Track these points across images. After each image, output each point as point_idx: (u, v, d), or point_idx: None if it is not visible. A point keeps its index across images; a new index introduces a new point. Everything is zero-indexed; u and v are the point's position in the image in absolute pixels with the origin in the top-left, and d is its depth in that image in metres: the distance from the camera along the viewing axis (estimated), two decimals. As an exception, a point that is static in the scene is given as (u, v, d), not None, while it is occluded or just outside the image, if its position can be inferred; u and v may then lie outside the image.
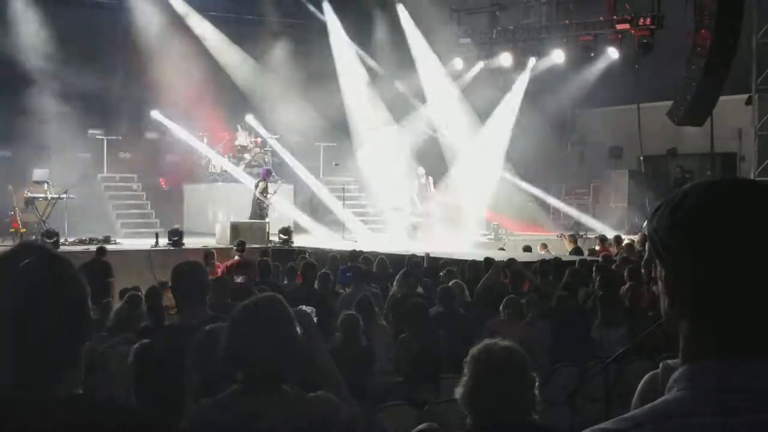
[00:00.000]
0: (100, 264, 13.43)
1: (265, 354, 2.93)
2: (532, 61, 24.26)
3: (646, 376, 2.70)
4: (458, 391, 3.24)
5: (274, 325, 3.01)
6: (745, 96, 20.85)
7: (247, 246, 14.57)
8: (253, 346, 2.96)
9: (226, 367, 3.01)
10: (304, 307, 3.66)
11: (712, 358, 1.36)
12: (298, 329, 3.07)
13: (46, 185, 18.06)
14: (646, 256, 12.40)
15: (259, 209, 19.19)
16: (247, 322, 3.03)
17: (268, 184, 19.60)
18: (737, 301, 1.34)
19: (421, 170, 21.94)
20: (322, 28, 24.07)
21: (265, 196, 19.38)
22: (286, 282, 11.59)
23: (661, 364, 2.66)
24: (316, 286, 10.24)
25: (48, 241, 15.03)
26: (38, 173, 18.40)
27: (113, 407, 2.02)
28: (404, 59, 24.04)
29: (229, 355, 3.00)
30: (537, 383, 3.27)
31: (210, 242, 17.49)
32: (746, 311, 1.34)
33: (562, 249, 18.41)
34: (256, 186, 19.54)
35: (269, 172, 20.11)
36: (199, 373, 3.53)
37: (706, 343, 1.37)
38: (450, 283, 9.91)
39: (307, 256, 14.26)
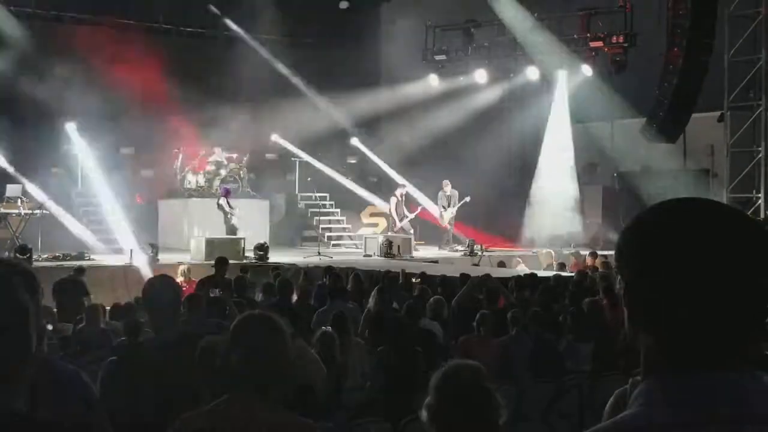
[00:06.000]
0: (75, 283, 13.19)
1: (260, 367, 2.95)
2: (507, 77, 24.43)
3: (616, 392, 2.75)
4: (423, 414, 3.21)
5: (272, 338, 3.02)
6: (717, 113, 21.05)
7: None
8: (249, 358, 2.97)
9: (222, 376, 3.01)
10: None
11: (670, 373, 1.40)
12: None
13: (19, 201, 17.92)
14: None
15: (229, 222, 19.13)
16: (247, 334, 3.04)
17: (228, 200, 19.50)
18: (692, 315, 1.39)
19: (402, 188, 21.87)
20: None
21: (231, 207, 19.28)
22: (261, 298, 11.54)
23: (630, 380, 2.70)
24: (292, 302, 10.22)
25: (20, 256, 14.87)
26: (12, 189, 18.24)
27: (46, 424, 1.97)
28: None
29: (225, 365, 3.01)
30: (503, 407, 3.17)
31: (185, 258, 17.41)
32: (701, 325, 1.39)
33: (537, 264, 18.50)
34: (218, 205, 19.44)
35: (228, 191, 19.95)
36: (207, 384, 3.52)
37: (664, 357, 1.42)
38: (432, 299, 9.95)
39: (281, 272, 14.22)
